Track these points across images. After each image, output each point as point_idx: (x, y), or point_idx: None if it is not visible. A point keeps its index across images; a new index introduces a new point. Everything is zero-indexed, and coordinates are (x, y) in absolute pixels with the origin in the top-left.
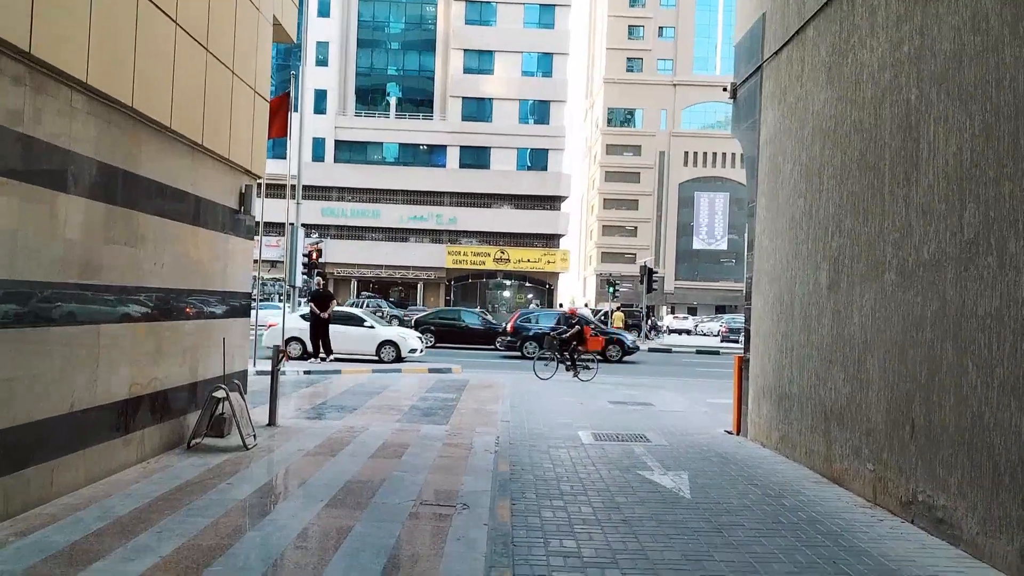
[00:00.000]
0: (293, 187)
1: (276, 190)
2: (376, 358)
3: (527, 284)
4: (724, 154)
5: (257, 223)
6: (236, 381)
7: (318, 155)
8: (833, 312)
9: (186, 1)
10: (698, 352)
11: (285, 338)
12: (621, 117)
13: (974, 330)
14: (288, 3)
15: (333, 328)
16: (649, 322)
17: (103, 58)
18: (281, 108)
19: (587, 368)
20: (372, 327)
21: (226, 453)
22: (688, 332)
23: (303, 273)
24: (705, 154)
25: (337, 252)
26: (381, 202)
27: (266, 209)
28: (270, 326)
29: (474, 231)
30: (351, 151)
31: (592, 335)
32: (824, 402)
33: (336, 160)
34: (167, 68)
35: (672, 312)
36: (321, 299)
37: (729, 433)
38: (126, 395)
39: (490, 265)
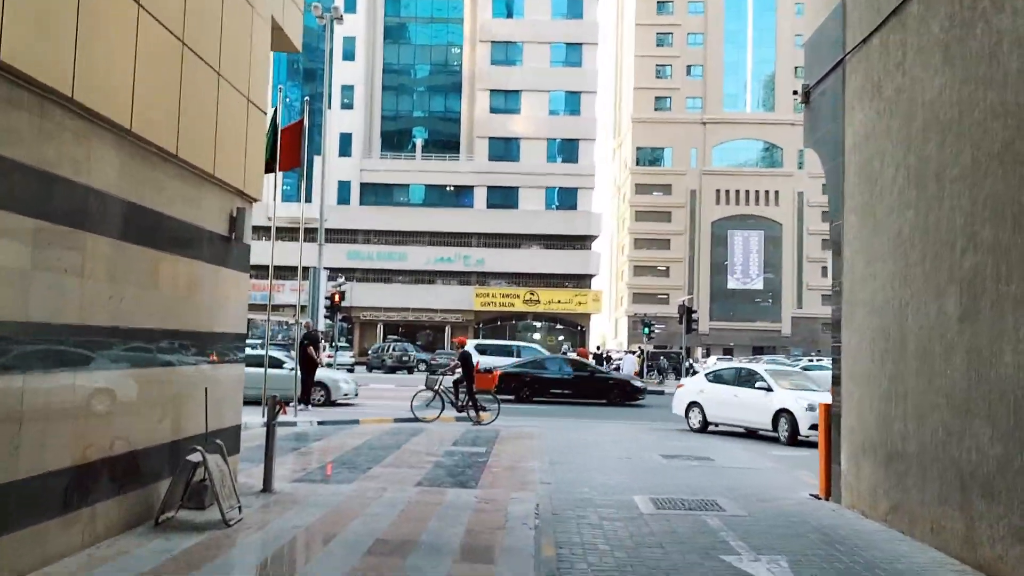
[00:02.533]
0: (315, 230)
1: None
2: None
3: (558, 326)
4: (757, 192)
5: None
6: (218, 441)
7: (343, 198)
8: (968, 349)
9: None
10: None
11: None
12: (650, 156)
13: None
14: (291, 5)
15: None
16: (689, 364)
17: (22, 31)
18: (294, 137)
19: (482, 410)
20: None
21: (201, 533)
22: None
23: (325, 316)
24: (738, 192)
25: (363, 296)
26: (407, 244)
27: (288, 252)
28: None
29: (502, 272)
30: (377, 193)
31: (480, 371)
32: (960, 465)
33: (362, 203)
34: (126, 55)
35: (707, 353)
36: (316, 342)
37: (816, 498)
38: (70, 462)
39: (519, 307)
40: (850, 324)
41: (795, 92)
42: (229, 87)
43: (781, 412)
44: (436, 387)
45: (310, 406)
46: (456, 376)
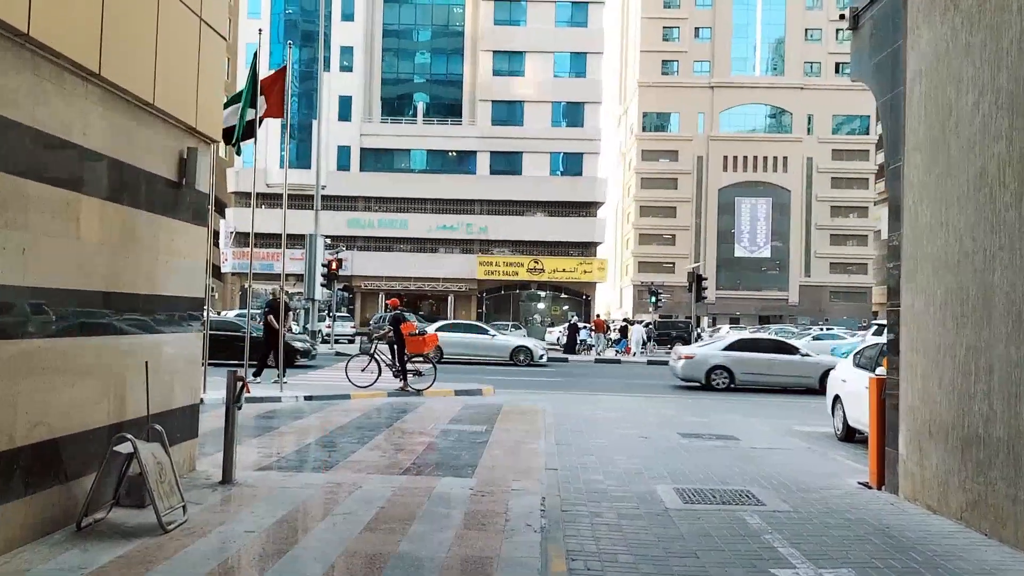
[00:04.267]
0: (313, 196)
1: (299, 201)
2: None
3: (563, 295)
4: (766, 158)
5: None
6: (157, 427)
7: (343, 164)
8: None
9: None
10: None
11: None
12: (656, 122)
13: None
14: None
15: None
16: (696, 333)
17: None
18: (276, 85)
19: (419, 375)
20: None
21: (130, 541)
22: None
23: (322, 285)
24: (745, 158)
25: (364, 265)
26: (409, 212)
27: (288, 219)
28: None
29: (506, 240)
30: (377, 159)
31: (412, 335)
32: None
33: (362, 169)
34: None
35: (714, 323)
36: (278, 311)
37: (866, 487)
38: None
39: (523, 276)
40: (912, 284)
41: (841, 15)
42: (175, 1)
43: None
44: (372, 351)
45: (260, 377)
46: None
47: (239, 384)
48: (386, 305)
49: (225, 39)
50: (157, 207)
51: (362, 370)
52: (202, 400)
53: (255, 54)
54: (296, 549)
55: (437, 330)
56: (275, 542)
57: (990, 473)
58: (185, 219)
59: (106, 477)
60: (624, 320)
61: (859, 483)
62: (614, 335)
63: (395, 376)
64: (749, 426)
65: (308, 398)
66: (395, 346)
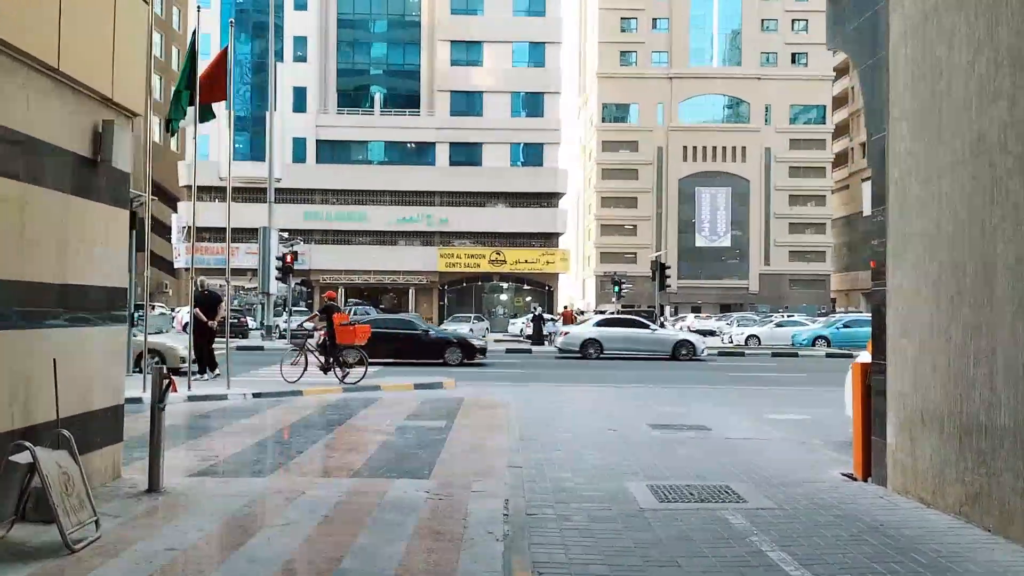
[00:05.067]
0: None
1: (254, 194)
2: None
3: (525, 287)
4: (725, 148)
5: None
6: (65, 432)
7: (299, 156)
8: None
9: None
10: (720, 354)
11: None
12: (616, 113)
13: None
14: None
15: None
16: (659, 322)
17: None
18: (217, 68)
19: (349, 367)
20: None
21: (28, 563)
22: (712, 334)
23: (277, 279)
24: (705, 148)
25: (322, 258)
26: (368, 204)
27: (244, 213)
28: None
29: (467, 232)
30: (334, 151)
31: (343, 325)
32: None
33: (318, 161)
34: None
35: (676, 312)
36: (208, 304)
37: (850, 478)
38: None
39: (485, 267)
40: (901, 262)
41: None
42: None
43: None
44: (303, 345)
45: (205, 375)
46: (320, 339)
47: (165, 383)
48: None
49: (147, 3)
50: (66, 186)
51: (292, 363)
52: (140, 399)
53: (193, 33)
54: (223, 568)
55: (596, 324)
56: (199, 561)
57: (993, 464)
58: (102, 200)
59: (7, 490)
60: (596, 312)
61: (843, 475)
62: None
63: (320, 369)
64: (721, 416)
65: (257, 395)
66: (326, 338)
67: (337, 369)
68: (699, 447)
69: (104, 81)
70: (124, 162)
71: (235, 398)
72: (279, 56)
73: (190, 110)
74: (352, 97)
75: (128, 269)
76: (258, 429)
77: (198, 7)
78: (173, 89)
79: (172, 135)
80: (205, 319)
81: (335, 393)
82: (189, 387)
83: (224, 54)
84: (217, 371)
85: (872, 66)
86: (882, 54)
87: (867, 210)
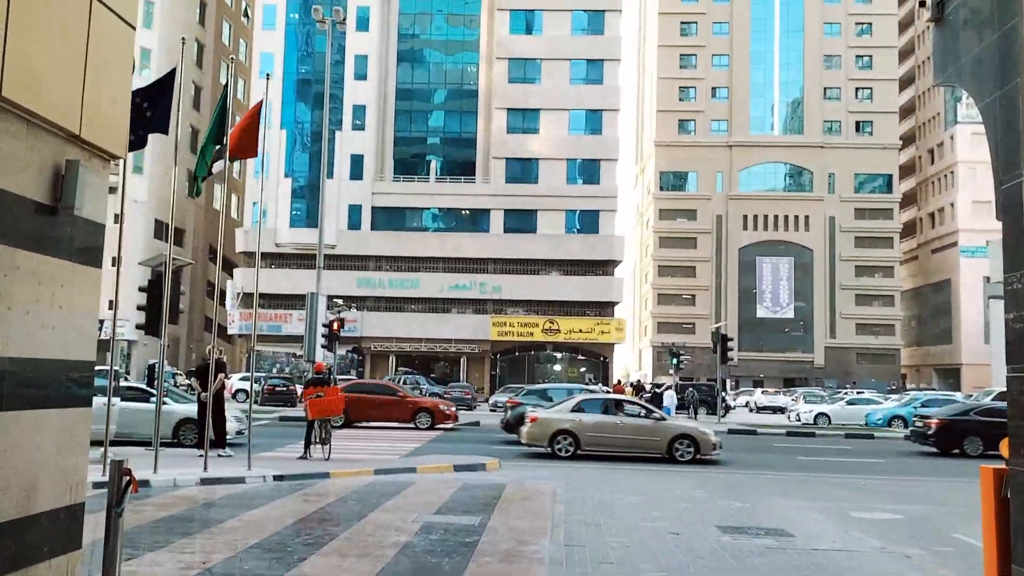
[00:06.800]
0: (325, 256)
1: (309, 260)
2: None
3: (579, 357)
4: (787, 216)
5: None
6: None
7: (354, 223)
8: None
9: None
10: (788, 433)
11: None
12: (673, 181)
13: None
14: None
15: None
16: (722, 397)
17: None
18: (252, 122)
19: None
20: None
21: None
22: (782, 411)
23: (323, 346)
24: (766, 217)
25: (374, 325)
26: (420, 271)
27: (298, 280)
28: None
29: (520, 300)
30: (389, 218)
31: (313, 398)
32: None
33: (373, 228)
34: None
35: (737, 385)
36: (208, 374)
37: None
38: None
39: (539, 337)
40: None
41: (921, 3)
42: None
43: None
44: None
45: (222, 450)
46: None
47: (124, 480)
48: (399, 368)
49: (132, 27)
50: (11, 238)
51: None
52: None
53: (224, 86)
54: None
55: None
56: None
57: None
58: (63, 257)
59: None
60: (653, 385)
61: None
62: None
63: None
64: (799, 514)
65: (278, 478)
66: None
67: (318, 447)
68: (783, 562)
69: (71, 115)
70: (95, 211)
71: (254, 481)
72: (338, 125)
73: (217, 164)
74: (408, 165)
75: (93, 338)
76: (264, 525)
77: (267, 75)
78: (200, 144)
79: (196, 195)
80: (201, 390)
81: (365, 476)
82: (205, 467)
83: (258, 108)
84: (226, 448)
85: (999, 99)
86: (1017, 82)
87: (995, 276)
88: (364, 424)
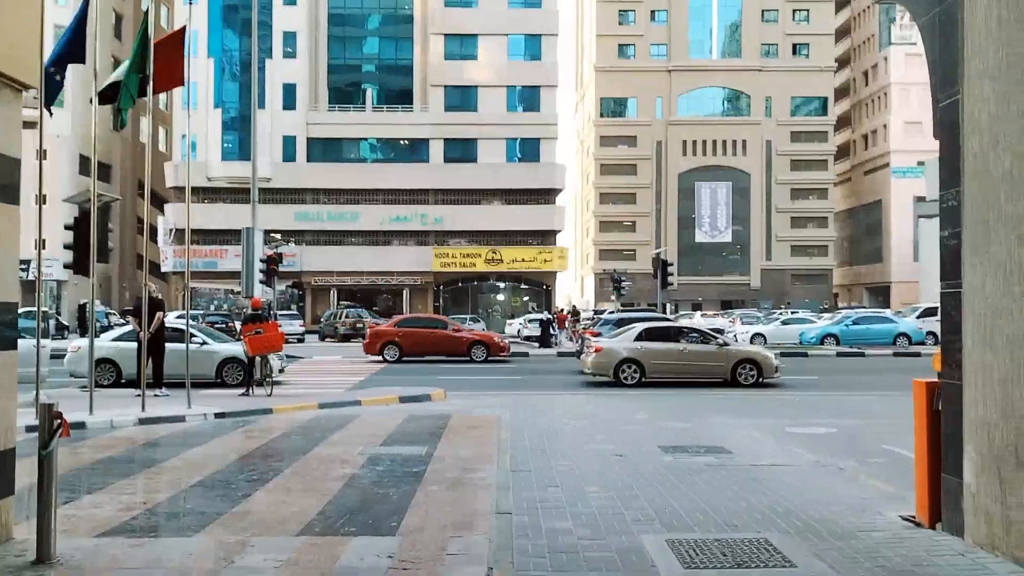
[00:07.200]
0: (260, 189)
1: (244, 195)
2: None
3: (522, 286)
4: (725, 141)
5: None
6: None
7: (289, 155)
8: None
9: None
10: None
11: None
12: (614, 107)
13: None
14: None
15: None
16: None
17: None
18: (173, 50)
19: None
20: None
21: None
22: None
23: (261, 282)
24: (704, 142)
25: (314, 260)
26: (360, 203)
27: (234, 214)
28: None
29: (462, 231)
30: (325, 149)
31: (252, 335)
32: None
33: (309, 160)
34: None
35: (676, 309)
36: (140, 313)
37: (913, 523)
38: None
39: (481, 267)
40: (982, 255)
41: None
42: None
43: None
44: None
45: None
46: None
47: (55, 423)
48: (340, 302)
49: None
50: None
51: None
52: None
53: (145, 12)
54: None
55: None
56: None
57: None
58: None
59: None
60: (595, 312)
61: (903, 518)
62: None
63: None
64: (739, 431)
65: (220, 415)
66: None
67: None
68: (721, 478)
69: None
70: (8, 144)
71: (194, 419)
72: (268, 53)
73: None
74: (343, 94)
75: (15, 277)
76: (206, 463)
77: (190, 1)
78: (121, 74)
79: (121, 128)
80: (138, 328)
81: (310, 410)
82: (143, 407)
83: (181, 35)
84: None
85: (940, 14)
86: None
87: (931, 194)
88: (417, 359)
